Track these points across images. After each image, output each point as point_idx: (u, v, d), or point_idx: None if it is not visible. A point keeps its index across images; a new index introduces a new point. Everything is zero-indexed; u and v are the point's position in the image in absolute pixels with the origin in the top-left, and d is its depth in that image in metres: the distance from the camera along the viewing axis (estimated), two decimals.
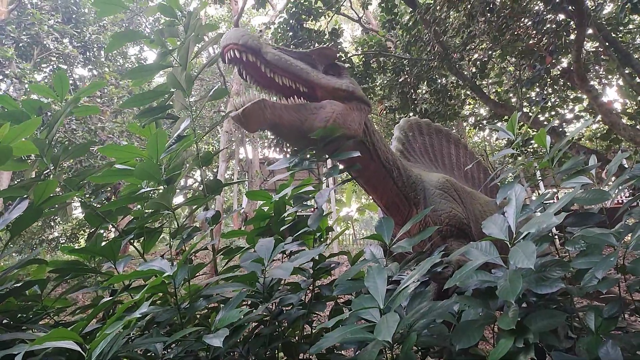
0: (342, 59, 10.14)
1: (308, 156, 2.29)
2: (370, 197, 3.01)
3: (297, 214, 2.31)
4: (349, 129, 2.38)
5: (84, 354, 1.06)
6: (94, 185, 2.45)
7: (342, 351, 1.93)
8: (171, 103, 2.41)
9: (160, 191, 2.01)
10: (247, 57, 2.09)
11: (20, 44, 14.56)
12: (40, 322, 1.98)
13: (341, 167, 2.61)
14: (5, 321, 1.79)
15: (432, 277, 1.99)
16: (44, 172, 2.17)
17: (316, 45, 9.62)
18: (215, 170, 21.59)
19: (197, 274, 1.99)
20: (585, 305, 1.71)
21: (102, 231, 2.31)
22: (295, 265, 1.71)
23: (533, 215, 1.73)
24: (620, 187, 1.88)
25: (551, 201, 1.92)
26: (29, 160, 2.22)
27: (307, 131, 2.22)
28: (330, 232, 2.41)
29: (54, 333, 1.03)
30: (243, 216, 17.09)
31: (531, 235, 1.47)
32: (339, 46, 10.15)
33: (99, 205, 2.13)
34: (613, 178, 1.98)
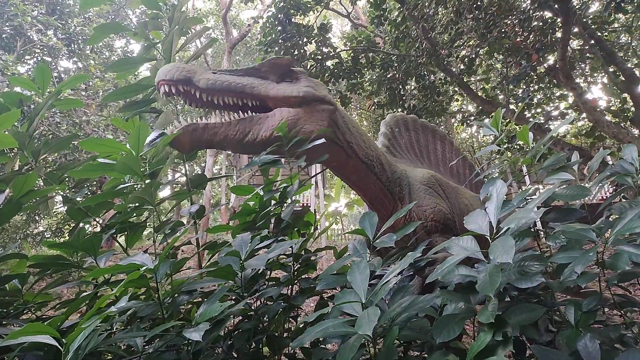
0: (331, 54, 10.12)
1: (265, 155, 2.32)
2: (355, 192, 3.02)
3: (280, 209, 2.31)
4: (304, 132, 2.40)
5: (61, 348, 1.05)
6: (78, 179, 2.42)
7: (329, 345, 1.94)
8: (155, 97, 2.39)
9: (143, 185, 1.99)
10: (179, 88, 2.20)
11: (4, 35, 14.27)
12: (21, 317, 1.96)
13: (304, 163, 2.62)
14: None
15: (415, 271, 2.00)
16: (25, 166, 2.13)
17: (304, 40, 9.59)
18: (203, 165, 21.45)
19: (183, 269, 1.98)
20: (566, 299, 1.73)
21: (87, 226, 2.28)
22: (272, 256, 1.72)
23: (516, 210, 1.75)
24: (601, 184, 1.91)
25: (533, 197, 1.94)
26: (11, 154, 2.19)
27: (253, 142, 2.30)
28: (316, 227, 2.41)
29: (29, 327, 1.01)
30: (231, 211, 17.02)
31: (511, 230, 1.48)
32: (328, 41, 10.12)
33: (81, 200, 2.11)
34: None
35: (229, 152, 21.90)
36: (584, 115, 7.39)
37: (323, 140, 2.29)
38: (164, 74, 2.18)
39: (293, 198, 2.18)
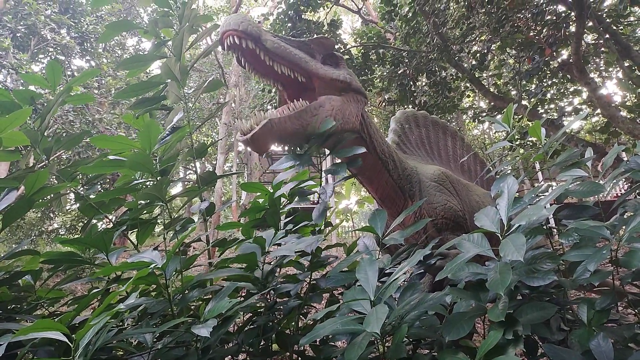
0: (341, 50, 10.09)
1: (306, 153, 2.28)
2: (365, 188, 3.00)
3: (293, 207, 2.30)
4: (348, 123, 2.37)
5: (70, 344, 1.06)
6: (90, 176, 2.44)
7: (339, 342, 1.94)
8: (166, 94, 2.40)
9: (154, 182, 2.00)
10: (247, 44, 2.06)
11: (18, 35, 14.47)
12: (34, 313, 1.99)
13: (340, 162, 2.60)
14: None
15: (425, 268, 1.99)
16: (38, 164, 2.16)
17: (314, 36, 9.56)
18: (214, 162, 21.59)
19: (193, 266, 1.99)
20: (579, 297, 1.71)
21: (99, 223, 2.30)
22: (297, 249, 1.72)
23: (528, 207, 1.72)
24: (615, 180, 1.87)
25: (545, 194, 1.91)
26: (24, 152, 2.21)
27: (310, 134, 2.23)
28: (329, 225, 2.41)
29: (39, 323, 1.02)
30: (242, 208, 17.11)
31: (522, 228, 1.46)
32: (338, 38, 10.09)
33: (93, 196, 2.13)
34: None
35: (240, 150, 22.04)
36: (599, 110, 7.28)
37: (364, 149, 2.21)
38: (236, 24, 2.01)
39: (325, 197, 2.13)
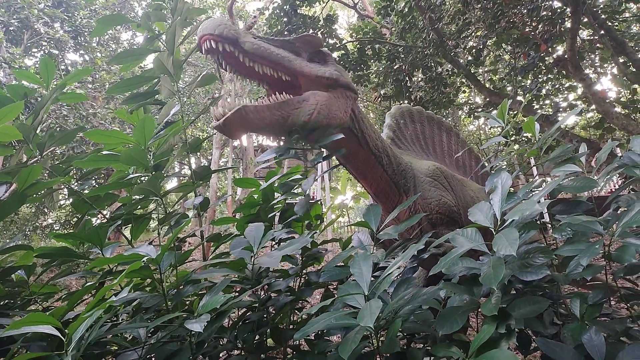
0: (337, 45, 10.06)
1: (294, 146, 2.29)
2: (360, 184, 3.00)
3: (287, 201, 2.30)
4: (334, 118, 2.37)
5: (63, 338, 1.05)
6: (84, 171, 2.43)
7: (334, 337, 1.94)
8: (159, 89, 2.38)
9: (149, 177, 2.00)
10: (224, 47, 2.08)
11: (10, 28, 14.33)
12: (27, 308, 1.98)
13: (326, 153, 2.60)
14: None
15: (419, 262, 1.99)
16: (31, 159, 2.15)
17: (310, 31, 9.53)
18: (210, 157, 21.52)
19: (188, 261, 1.99)
20: (572, 292, 1.72)
21: (93, 218, 2.29)
22: (284, 254, 1.71)
23: (522, 202, 1.73)
24: (609, 176, 1.88)
25: (539, 189, 1.92)
26: (17, 147, 2.20)
27: (291, 126, 2.22)
28: (322, 219, 2.41)
29: (31, 317, 1.02)
30: (238, 203, 17.09)
31: (515, 223, 1.47)
32: (334, 32, 10.05)
33: (86, 192, 2.12)
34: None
35: (235, 145, 21.99)
36: (593, 106, 7.30)
37: (342, 135, 2.24)
38: (212, 28, 2.03)
39: (307, 192, 2.15)
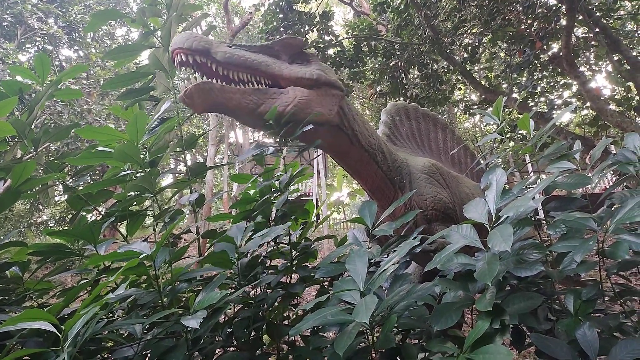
0: (333, 42, 10.04)
1: (272, 143, 2.30)
2: (355, 180, 3.01)
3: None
4: (316, 115, 2.37)
5: (59, 335, 1.05)
6: (78, 168, 2.42)
7: (330, 333, 1.95)
8: (154, 85, 2.38)
9: (143, 174, 1.99)
10: (195, 59, 2.11)
11: (4, 24, 14.20)
12: (22, 305, 1.97)
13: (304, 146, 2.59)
14: None
15: (411, 257, 2.00)
16: (26, 155, 2.14)
17: (306, 28, 9.51)
18: (205, 154, 21.47)
19: (184, 257, 1.99)
20: (566, 288, 1.73)
21: (88, 215, 2.28)
22: (266, 240, 1.74)
23: (516, 199, 1.74)
24: (602, 172, 1.90)
25: (534, 186, 1.93)
26: (12, 143, 2.18)
27: (263, 114, 2.23)
28: (317, 216, 2.41)
29: (27, 313, 1.02)
30: (233, 200, 17.07)
31: (509, 219, 1.47)
32: (330, 29, 10.03)
33: (81, 188, 2.11)
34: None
35: (231, 142, 21.94)
36: (588, 104, 7.33)
37: (311, 126, 2.25)
38: (181, 42, 2.07)
39: (290, 187, 2.16)
